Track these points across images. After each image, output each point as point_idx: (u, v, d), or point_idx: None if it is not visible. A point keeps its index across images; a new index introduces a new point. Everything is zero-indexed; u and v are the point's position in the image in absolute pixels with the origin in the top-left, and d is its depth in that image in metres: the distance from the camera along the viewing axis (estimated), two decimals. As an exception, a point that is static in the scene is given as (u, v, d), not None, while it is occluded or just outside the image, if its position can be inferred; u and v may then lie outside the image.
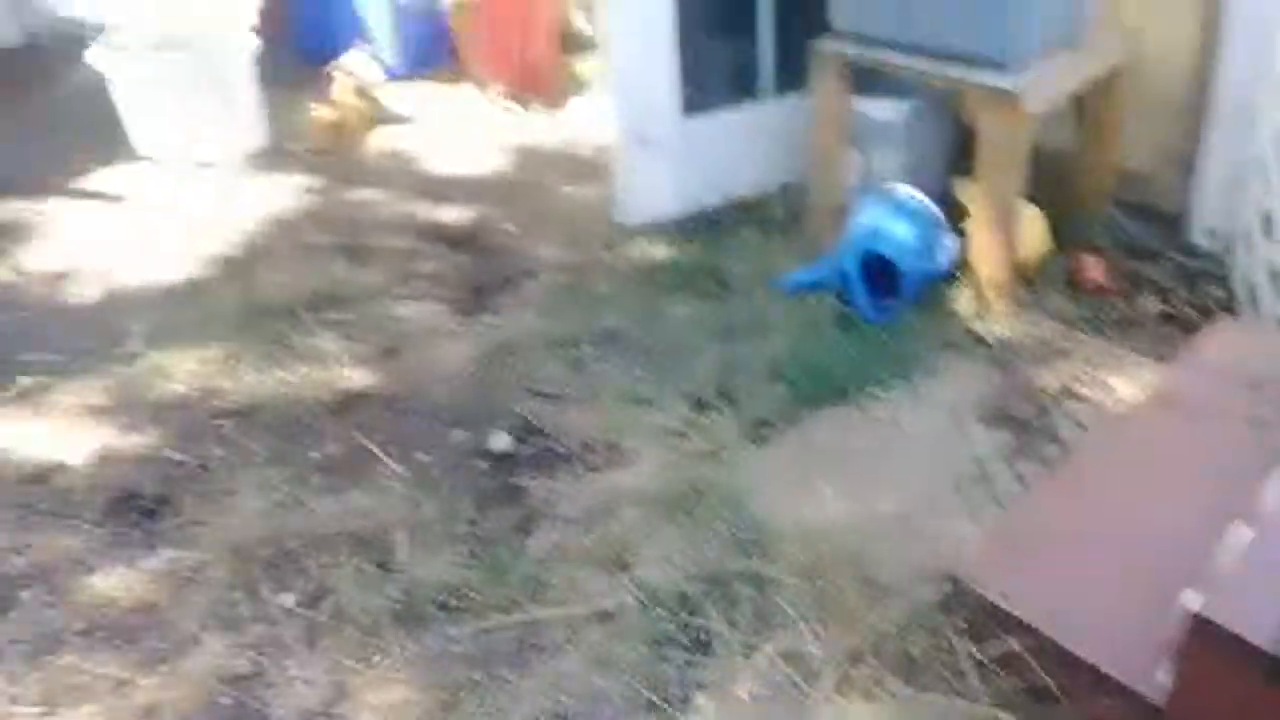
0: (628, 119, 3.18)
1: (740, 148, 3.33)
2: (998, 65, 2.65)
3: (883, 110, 3.04)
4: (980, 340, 2.71)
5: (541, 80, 4.27)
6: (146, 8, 3.96)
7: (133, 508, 2.32)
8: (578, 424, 2.49)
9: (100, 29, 3.84)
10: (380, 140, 4.04)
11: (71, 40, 3.98)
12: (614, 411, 2.52)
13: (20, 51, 4.90)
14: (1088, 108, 2.98)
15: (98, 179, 3.78)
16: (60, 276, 3.22)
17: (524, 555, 2.13)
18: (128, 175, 3.80)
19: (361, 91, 4.04)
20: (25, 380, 2.72)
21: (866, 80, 2.95)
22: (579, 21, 4.59)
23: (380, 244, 3.30)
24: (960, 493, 2.23)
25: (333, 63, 4.08)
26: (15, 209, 3.59)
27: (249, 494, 2.32)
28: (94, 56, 3.74)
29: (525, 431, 2.49)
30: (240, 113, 3.92)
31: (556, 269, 3.13)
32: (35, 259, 3.32)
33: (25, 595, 2.11)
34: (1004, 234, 2.73)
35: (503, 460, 2.41)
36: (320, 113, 3.97)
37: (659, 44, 3.10)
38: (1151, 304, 2.80)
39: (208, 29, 3.88)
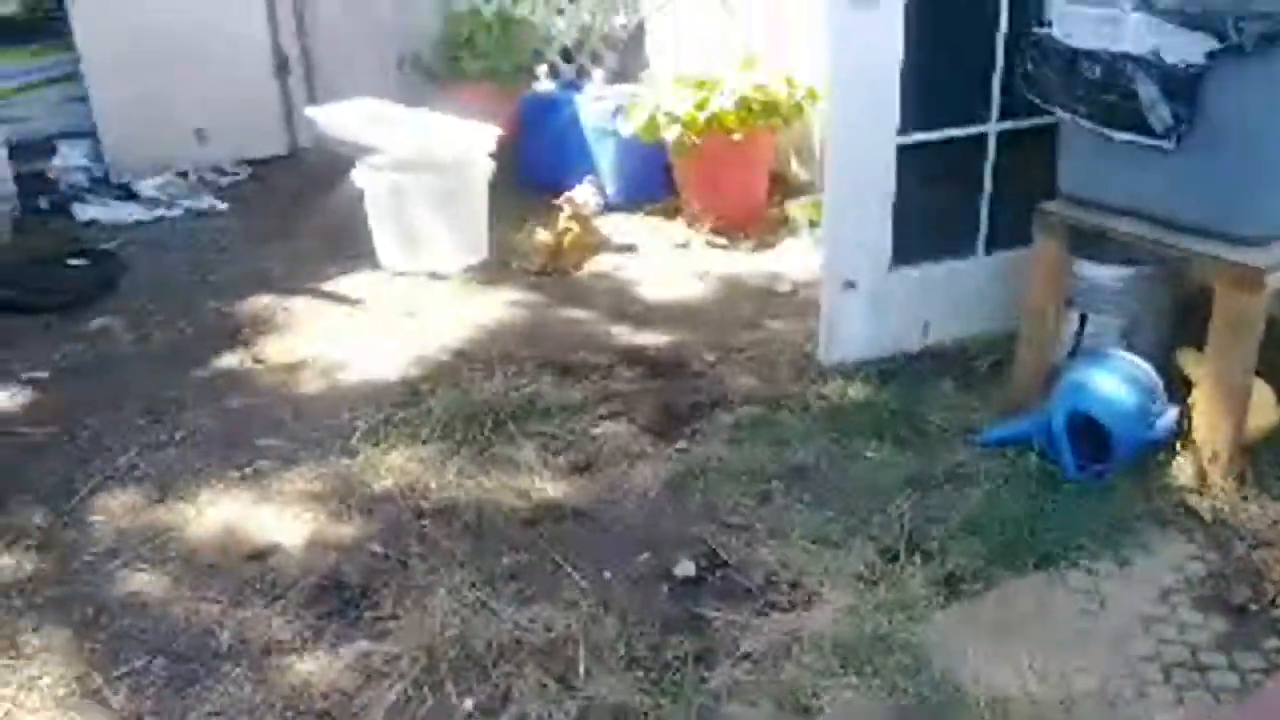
0: (835, 264, 3.23)
1: (947, 298, 3.32)
2: (1242, 240, 2.57)
3: (1104, 274, 2.97)
4: (1197, 516, 2.55)
5: (753, 219, 4.42)
6: (404, 133, 4.36)
7: (336, 595, 2.45)
8: (763, 558, 2.49)
9: (365, 149, 4.25)
10: (595, 265, 4.24)
11: (339, 158, 4.42)
12: (801, 550, 2.51)
13: (288, 161, 5.47)
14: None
15: (342, 283, 4.13)
16: (296, 368, 3.50)
17: (703, 687, 2.11)
18: (369, 281, 4.14)
19: (581, 219, 4.28)
20: (260, 463, 2.96)
21: (1089, 240, 2.90)
22: (793, 165, 4.73)
23: (585, 362, 3.44)
24: (1169, 680, 2.08)
25: (565, 194, 4.34)
26: (265, 303, 3.96)
27: (443, 594, 2.42)
28: (357, 174, 4.14)
29: (710, 560, 2.50)
30: (473, 231, 4.23)
31: (752, 401, 3.17)
32: (276, 350, 3.63)
33: (231, 670, 2.24)
34: (1232, 409, 2.59)
35: (687, 586, 2.42)
36: (542, 236, 4.22)
37: (875, 197, 3.17)
38: (1393, 494, 2.58)
39: (453, 154, 4.23)
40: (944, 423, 2.96)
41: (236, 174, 5.35)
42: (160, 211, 4.91)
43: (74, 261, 4.21)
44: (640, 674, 2.15)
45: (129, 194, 5.03)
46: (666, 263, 4.26)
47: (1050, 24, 2.78)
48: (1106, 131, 2.72)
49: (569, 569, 2.49)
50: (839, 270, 3.23)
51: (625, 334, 3.67)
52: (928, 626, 2.24)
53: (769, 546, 2.53)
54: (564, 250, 4.20)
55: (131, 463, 2.98)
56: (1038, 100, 2.89)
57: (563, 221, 4.24)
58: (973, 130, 3.19)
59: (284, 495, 2.83)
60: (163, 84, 5.06)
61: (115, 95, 5.02)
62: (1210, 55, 2.46)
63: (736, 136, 4.25)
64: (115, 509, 2.78)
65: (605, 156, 4.71)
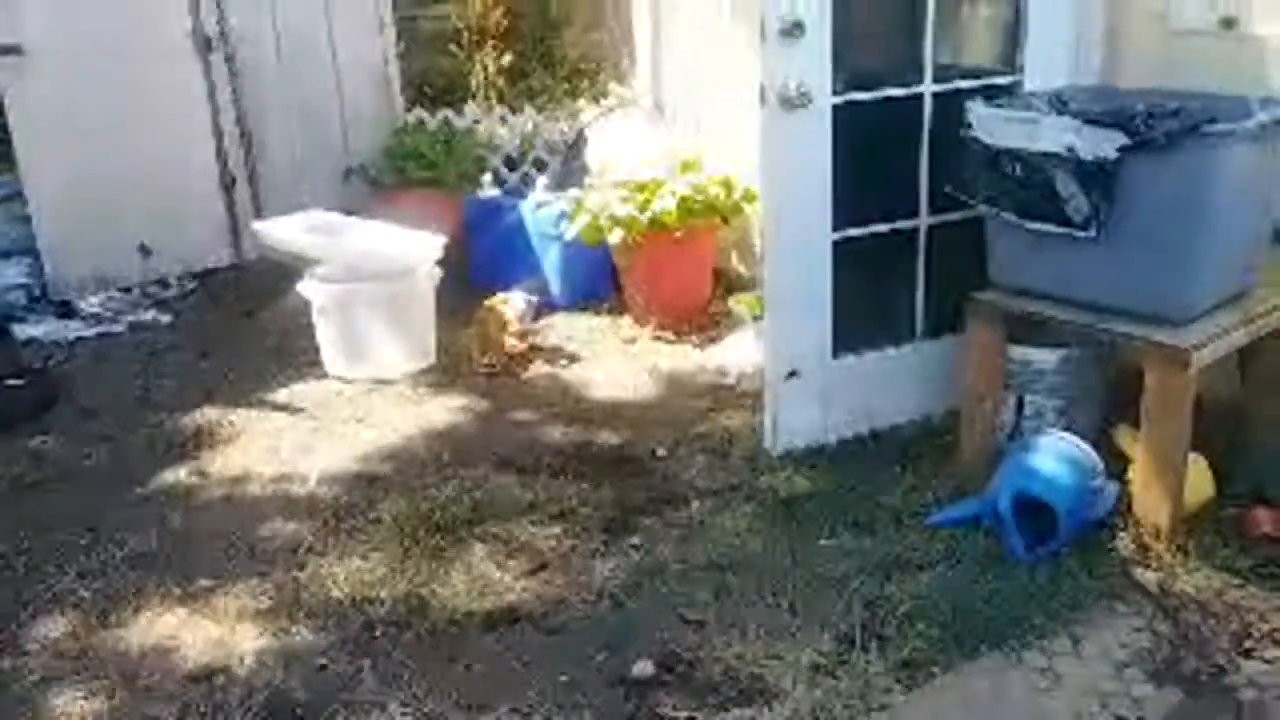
0: (778, 356, 3.29)
1: (889, 385, 3.40)
2: (1167, 321, 2.69)
3: (1038, 357, 3.07)
4: (1143, 589, 2.59)
5: (697, 315, 4.50)
6: (351, 243, 4.40)
7: (285, 714, 2.38)
8: (722, 654, 2.47)
9: (312, 260, 4.27)
10: (542, 366, 4.27)
11: (286, 269, 4.44)
12: (758, 643, 2.50)
13: (234, 273, 5.46)
14: (1254, 356, 2.93)
15: (289, 393, 4.09)
16: (241, 481, 3.45)
17: (664, 789, 2.08)
18: (316, 390, 4.11)
19: (500, 321, 4.29)
20: (203, 580, 2.89)
21: (1022, 326, 3.00)
22: (734, 261, 4.84)
23: (537, 463, 3.43)
24: (1129, 756, 2.09)
25: (497, 296, 4.38)
26: (210, 416, 3.92)
27: (395, 707, 2.37)
28: (304, 285, 4.16)
29: (669, 658, 2.48)
30: (420, 337, 4.25)
31: (704, 494, 3.19)
32: (221, 464, 3.58)
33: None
34: (1169, 483, 2.67)
35: (646, 686, 2.39)
36: (485, 340, 4.24)
37: (813, 290, 3.25)
38: (1331, 560, 2.65)
39: (400, 263, 4.27)
40: (892, 507, 3.00)
41: (181, 287, 5.33)
42: (102, 327, 4.86)
43: (10, 382, 4.14)
44: (601, 779, 2.12)
45: (69, 311, 4.99)
46: (614, 360, 4.30)
47: (971, 125, 2.91)
48: (1029, 224, 2.84)
49: (526, 674, 2.45)
50: (781, 361, 3.29)
51: (576, 433, 3.68)
52: (888, 715, 2.23)
53: (727, 641, 2.52)
54: (507, 353, 4.21)
55: (69, 586, 2.89)
56: (963, 197, 3.02)
57: (501, 324, 4.26)
58: (904, 225, 3.31)
59: (229, 613, 2.76)
60: (106, 201, 5.06)
61: (58, 213, 5.01)
62: (1121, 150, 2.60)
63: (678, 235, 4.35)
64: (52, 635, 2.70)
65: (551, 259, 4.79)
